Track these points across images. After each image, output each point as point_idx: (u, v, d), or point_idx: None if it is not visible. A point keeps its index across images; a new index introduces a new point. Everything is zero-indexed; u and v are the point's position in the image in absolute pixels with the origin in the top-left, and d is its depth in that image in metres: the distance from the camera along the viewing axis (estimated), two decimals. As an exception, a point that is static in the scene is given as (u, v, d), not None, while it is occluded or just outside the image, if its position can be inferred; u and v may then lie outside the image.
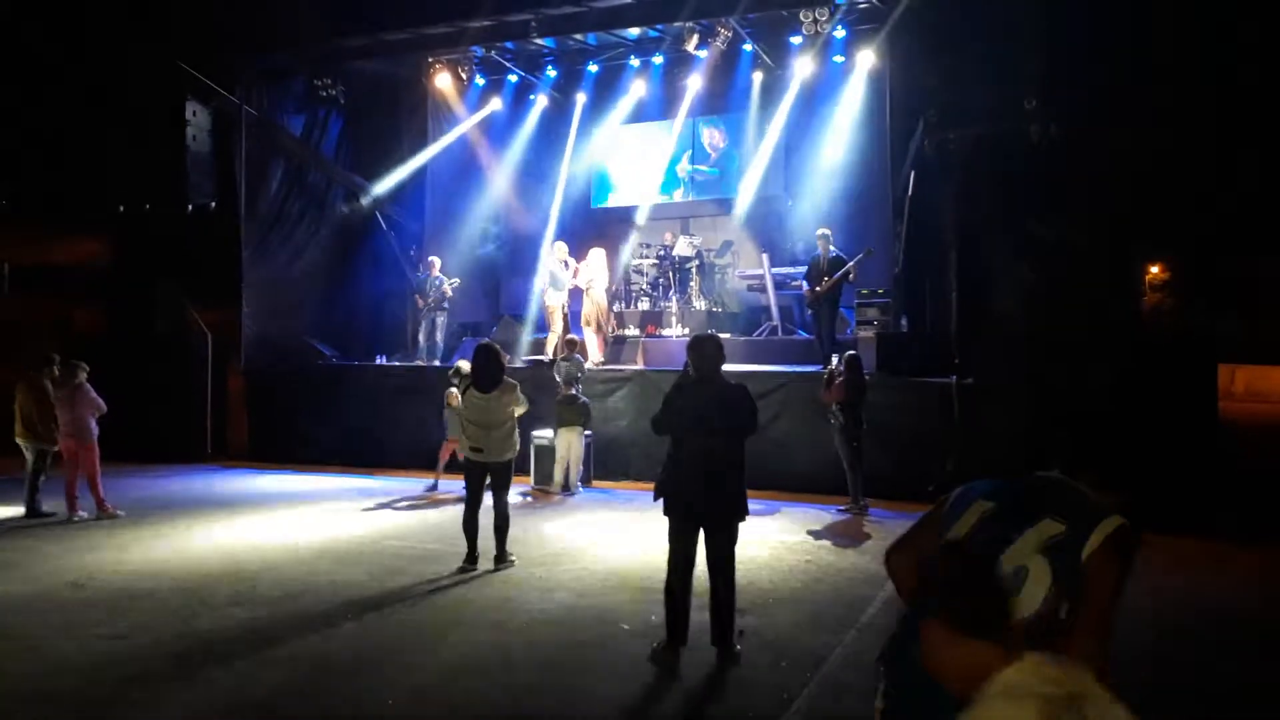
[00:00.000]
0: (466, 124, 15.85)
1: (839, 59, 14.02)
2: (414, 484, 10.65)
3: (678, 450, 5.13)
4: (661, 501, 5.16)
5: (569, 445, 10.44)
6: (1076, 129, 9.17)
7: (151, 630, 5.54)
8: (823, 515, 9.08)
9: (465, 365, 9.72)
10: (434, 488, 10.46)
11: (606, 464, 11.15)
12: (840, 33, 12.87)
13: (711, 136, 16.29)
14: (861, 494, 9.23)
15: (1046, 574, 2.19)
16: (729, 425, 5.05)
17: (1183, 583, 6.80)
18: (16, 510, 9.08)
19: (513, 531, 7.26)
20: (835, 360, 9.71)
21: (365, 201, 15.31)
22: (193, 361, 13.81)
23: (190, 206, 13.84)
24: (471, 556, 6.99)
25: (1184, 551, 7.54)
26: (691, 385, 5.19)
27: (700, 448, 5.03)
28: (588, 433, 10.67)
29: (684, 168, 16.43)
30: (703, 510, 5.06)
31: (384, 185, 15.37)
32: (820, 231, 11.78)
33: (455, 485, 10.15)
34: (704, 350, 5.19)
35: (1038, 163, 9.29)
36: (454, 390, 9.75)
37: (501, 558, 7.07)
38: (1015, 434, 9.08)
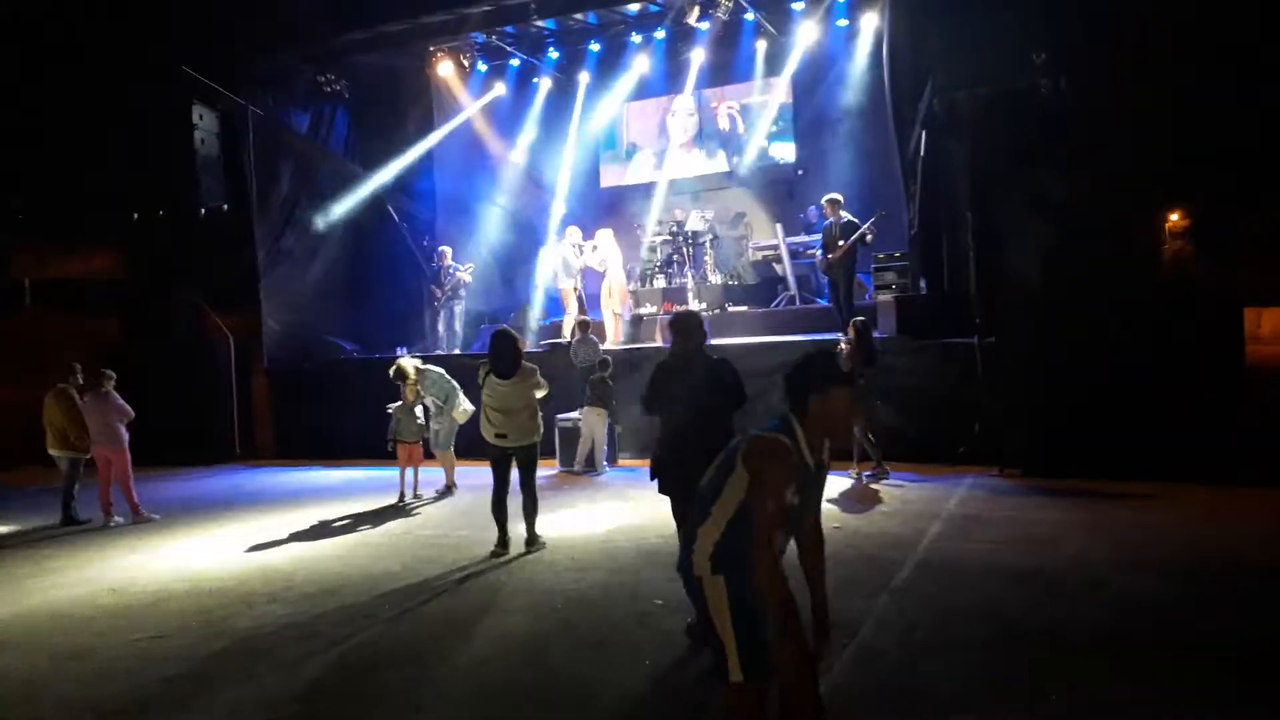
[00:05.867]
0: (471, 110, 15.83)
1: (842, 23, 13.89)
2: (442, 474, 10.62)
3: (667, 428, 5.16)
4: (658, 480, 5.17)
5: (593, 425, 10.46)
6: (1086, 81, 9.02)
7: (191, 631, 5.62)
8: (846, 481, 9.07)
9: (406, 363, 9.68)
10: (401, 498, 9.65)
11: (631, 442, 11.17)
12: (842, -5, 12.72)
13: (718, 108, 16.17)
14: (880, 458, 9.27)
15: None
16: (714, 400, 5.03)
17: (1206, 532, 6.77)
18: (53, 519, 9.24)
19: (542, 514, 7.31)
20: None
21: (375, 194, 15.32)
22: (216, 364, 13.95)
23: (203, 210, 13.92)
24: (502, 541, 7.05)
25: (1208, 500, 7.48)
26: (675, 362, 5.20)
27: (688, 424, 5.01)
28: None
29: (689, 139, 16.32)
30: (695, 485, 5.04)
31: (393, 177, 15.37)
32: (830, 197, 11.68)
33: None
34: (683, 326, 5.20)
35: (1049, 117, 9.15)
36: (410, 377, 9.59)
37: (532, 541, 7.13)
38: (1039, 390, 9.06)
